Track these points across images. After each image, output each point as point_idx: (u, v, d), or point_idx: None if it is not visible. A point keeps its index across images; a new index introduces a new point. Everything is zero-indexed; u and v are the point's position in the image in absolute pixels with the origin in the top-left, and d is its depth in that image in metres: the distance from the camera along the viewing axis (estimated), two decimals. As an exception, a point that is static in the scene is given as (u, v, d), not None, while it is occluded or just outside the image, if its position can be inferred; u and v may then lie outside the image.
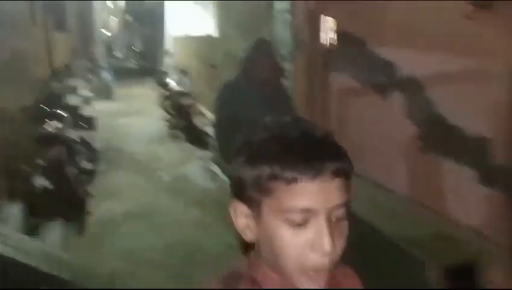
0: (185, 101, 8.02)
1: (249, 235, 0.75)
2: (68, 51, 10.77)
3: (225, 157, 2.89)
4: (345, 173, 0.71)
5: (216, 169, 6.04)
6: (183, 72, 9.92)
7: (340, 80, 4.14)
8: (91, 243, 3.88)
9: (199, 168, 6.13)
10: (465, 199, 2.75)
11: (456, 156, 2.81)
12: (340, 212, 0.71)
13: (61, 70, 9.53)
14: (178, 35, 12.36)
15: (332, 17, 4.25)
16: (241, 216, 0.75)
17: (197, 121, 7.89)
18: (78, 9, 12.72)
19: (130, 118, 9.64)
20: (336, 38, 4.17)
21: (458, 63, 2.79)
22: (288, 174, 0.68)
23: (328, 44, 4.30)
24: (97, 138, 6.88)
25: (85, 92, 10.87)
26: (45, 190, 4.51)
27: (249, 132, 0.75)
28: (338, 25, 4.16)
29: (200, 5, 11.37)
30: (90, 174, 5.43)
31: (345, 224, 0.73)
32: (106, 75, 12.80)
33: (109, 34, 21.78)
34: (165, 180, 5.65)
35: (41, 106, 5.60)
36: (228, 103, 2.86)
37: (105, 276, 3.27)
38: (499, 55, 2.52)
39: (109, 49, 17.14)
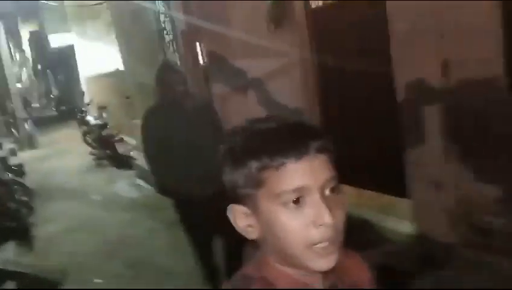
0: (106, 132, 9.04)
1: (251, 234, 0.77)
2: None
3: (157, 173, 3.09)
4: (327, 149, 0.75)
5: (141, 182, 7.15)
6: (101, 107, 10.87)
7: (218, 88, 5.44)
8: (40, 253, 4.88)
9: (126, 185, 7.22)
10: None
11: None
12: (332, 185, 0.74)
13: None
14: (91, 75, 13.33)
15: (202, 42, 5.59)
16: (241, 217, 0.77)
17: (120, 147, 8.93)
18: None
19: (56, 160, 10.47)
20: (207, 58, 5.51)
21: (277, 62, 4.19)
22: (276, 160, 0.71)
23: (203, 63, 5.64)
24: (29, 180, 7.74)
25: (8, 144, 11.55)
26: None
27: (229, 139, 0.78)
28: (207, 47, 5.50)
29: (104, 43, 12.43)
30: (29, 207, 6.34)
31: (340, 197, 0.76)
32: (26, 126, 13.43)
33: (22, 86, 22.03)
34: (97, 200, 6.70)
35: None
36: (153, 125, 3.00)
37: (58, 270, 4.30)
38: (293, 54, 3.94)
39: (25, 100, 17.58)
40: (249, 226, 0.77)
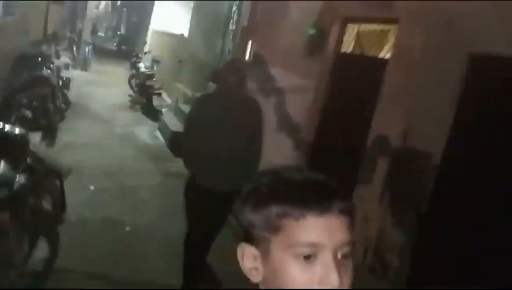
0: (149, 82, 10.06)
1: (255, 277, 0.79)
2: (60, 22, 12.68)
3: (187, 158, 3.21)
4: (349, 212, 0.77)
5: (159, 135, 8.10)
6: (155, 60, 11.93)
7: (249, 84, 6.31)
8: (56, 151, 5.86)
9: (146, 131, 8.19)
10: (289, 156, 4.95)
11: (285, 132, 5.03)
12: (346, 250, 0.75)
13: (50, 38, 11.40)
14: (158, 29, 14.48)
15: (254, 41, 6.47)
16: (249, 258, 0.79)
17: (156, 100, 9.93)
18: (75, -14, 14.64)
19: (99, 88, 11.60)
20: (252, 56, 6.40)
21: (299, 81, 5.03)
22: (297, 210, 0.73)
23: (248, 58, 6.52)
24: (71, 94, 8.83)
25: (66, 59, 12.77)
26: (26, 118, 6.48)
27: (256, 179, 0.81)
28: (256, 47, 6.38)
29: (181, 7, 13.50)
30: (62, 115, 7.38)
31: (349, 263, 0.76)
32: (87, 50, 14.69)
33: (96, 14, 23.55)
34: (117, 132, 7.69)
35: (36, 57, 7.56)
36: (197, 111, 3.13)
37: (65, 166, 5.24)
38: (312, 80, 4.77)
39: (94, 27, 18.96)
40: (255, 269, 0.78)
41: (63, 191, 4.17)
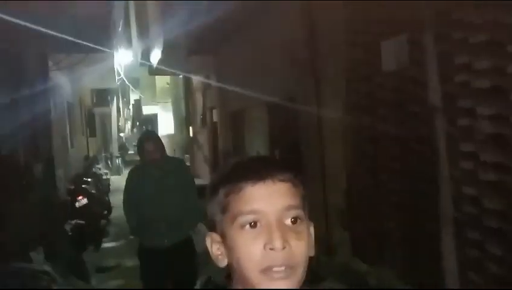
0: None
1: (221, 262, 0.87)
2: (96, 148, 19.69)
3: (131, 225, 3.79)
4: (290, 180, 0.84)
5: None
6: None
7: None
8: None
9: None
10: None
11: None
12: (293, 214, 0.82)
13: (92, 159, 18.28)
14: (162, 134, 21.31)
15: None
16: (215, 244, 0.88)
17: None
18: (102, 120, 21.84)
19: (130, 181, 18.20)
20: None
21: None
22: (237, 185, 0.83)
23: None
24: (111, 187, 15.24)
25: (104, 170, 19.58)
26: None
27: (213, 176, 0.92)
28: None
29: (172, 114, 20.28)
30: (107, 194, 13.71)
31: (302, 227, 0.83)
32: (117, 162, 21.57)
33: (122, 135, 31.19)
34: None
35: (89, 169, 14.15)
36: (130, 182, 3.80)
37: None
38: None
39: (122, 146, 26.22)
40: (221, 254, 0.87)
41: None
